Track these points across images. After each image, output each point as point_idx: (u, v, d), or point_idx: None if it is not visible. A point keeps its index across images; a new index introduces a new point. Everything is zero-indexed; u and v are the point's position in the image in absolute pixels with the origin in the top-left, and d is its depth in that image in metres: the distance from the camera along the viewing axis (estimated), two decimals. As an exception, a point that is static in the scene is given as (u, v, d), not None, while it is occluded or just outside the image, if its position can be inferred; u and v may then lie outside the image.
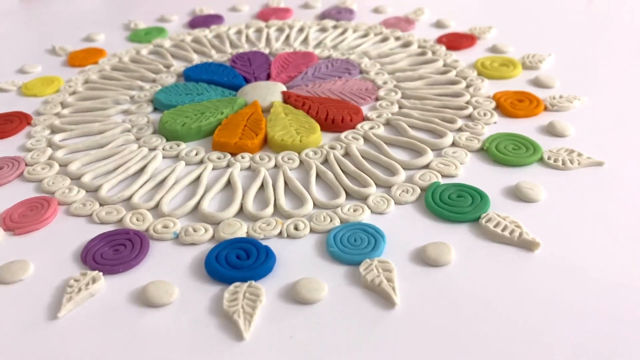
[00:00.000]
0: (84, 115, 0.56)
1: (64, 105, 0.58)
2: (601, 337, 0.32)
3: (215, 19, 0.77)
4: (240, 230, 0.40)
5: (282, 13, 0.77)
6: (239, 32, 0.73)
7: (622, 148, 0.47)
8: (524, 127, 0.50)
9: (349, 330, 0.33)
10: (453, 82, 0.58)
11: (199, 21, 0.77)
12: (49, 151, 0.50)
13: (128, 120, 0.55)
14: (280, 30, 0.73)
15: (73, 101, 0.59)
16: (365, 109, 0.55)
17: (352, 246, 0.38)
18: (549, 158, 0.46)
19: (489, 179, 0.44)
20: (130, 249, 0.39)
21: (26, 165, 0.49)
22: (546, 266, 0.36)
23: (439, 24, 0.72)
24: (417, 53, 0.65)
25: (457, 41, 0.66)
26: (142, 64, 0.66)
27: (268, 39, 0.71)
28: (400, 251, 0.38)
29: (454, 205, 0.41)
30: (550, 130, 0.50)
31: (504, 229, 0.39)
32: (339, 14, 0.76)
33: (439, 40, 0.67)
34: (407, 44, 0.67)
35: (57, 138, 0.52)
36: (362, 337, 0.32)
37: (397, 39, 0.68)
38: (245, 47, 0.69)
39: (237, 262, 0.37)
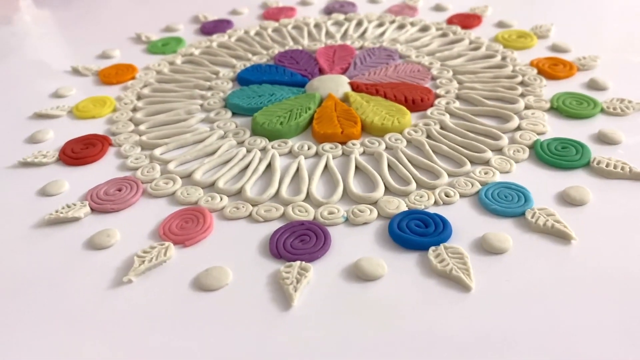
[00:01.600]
0: (167, 128, 0.56)
1: (134, 121, 0.58)
2: None
3: (225, 23, 0.78)
4: (401, 204, 0.44)
5: (288, 12, 0.81)
6: (259, 35, 0.75)
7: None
8: (570, 86, 0.59)
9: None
10: (489, 56, 0.65)
11: (209, 27, 0.78)
12: (157, 166, 0.51)
13: (215, 126, 0.56)
14: (298, 28, 0.77)
15: (142, 117, 0.58)
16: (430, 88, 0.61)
17: (505, 201, 0.44)
18: (608, 107, 0.54)
19: (570, 130, 0.52)
20: (315, 238, 0.42)
21: (141, 182, 0.49)
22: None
23: (438, 8, 0.80)
24: (439, 35, 0.71)
25: (466, 21, 0.74)
26: (188, 74, 0.66)
27: (293, 37, 0.74)
28: (543, 197, 0.45)
29: (565, 155, 0.48)
30: (593, 86, 0.58)
31: (615, 167, 0.46)
32: (343, 7, 0.81)
33: (450, 22, 0.74)
34: (424, 28, 0.73)
35: (157, 152, 0.53)
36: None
37: (412, 24, 0.75)
38: (276, 47, 0.71)
39: (422, 230, 0.42)
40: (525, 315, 0.35)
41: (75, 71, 0.70)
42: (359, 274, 0.39)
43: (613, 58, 0.63)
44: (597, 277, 0.38)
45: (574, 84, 0.59)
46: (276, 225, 0.44)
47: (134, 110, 0.60)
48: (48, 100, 0.64)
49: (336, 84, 0.60)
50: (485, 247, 0.40)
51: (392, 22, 0.76)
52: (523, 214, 0.43)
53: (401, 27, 0.75)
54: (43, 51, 0.77)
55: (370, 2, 0.83)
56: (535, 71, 0.61)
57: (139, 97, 0.63)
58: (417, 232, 0.41)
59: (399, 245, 0.41)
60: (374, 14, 0.78)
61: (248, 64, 0.67)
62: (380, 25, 0.75)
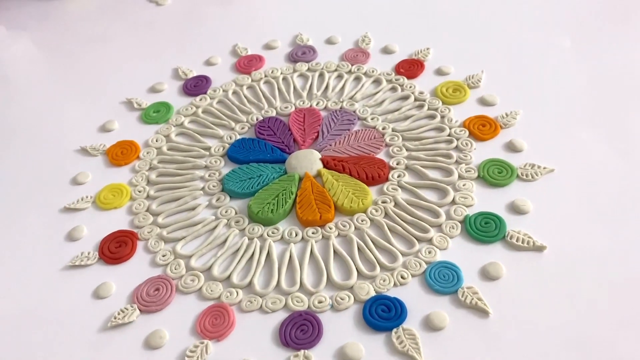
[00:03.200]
0: (181, 219, 0.71)
1: (151, 212, 0.72)
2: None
3: (204, 82, 0.90)
4: (370, 290, 0.62)
5: (257, 63, 0.92)
6: (236, 94, 0.87)
7: (567, 154, 0.73)
8: (493, 148, 0.75)
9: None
10: (431, 116, 0.80)
11: (190, 87, 0.89)
12: (182, 262, 0.66)
13: (219, 214, 0.71)
14: (269, 84, 0.89)
15: (157, 208, 0.72)
16: (382, 157, 0.75)
17: (444, 281, 0.61)
18: (521, 174, 0.71)
19: (491, 200, 0.69)
20: (311, 327, 0.59)
21: (172, 279, 0.65)
22: (555, 262, 0.62)
23: (386, 50, 0.92)
24: (389, 89, 0.85)
25: (411, 70, 0.87)
26: (184, 152, 0.79)
27: (266, 98, 0.86)
28: (470, 273, 0.62)
29: (486, 230, 0.65)
30: (512, 148, 0.74)
31: (522, 242, 0.64)
32: (304, 55, 0.92)
33: (398, 71, 0.87)
34: (377, 81, 0.87)
35: (179, 248, 0.68)
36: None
37: (366, 75, 0.87)
38: (253, 112, 0.84)
39: (386, 315, 0.59)
40: (456, 385, 0.54)
41: (84, 151, 0.81)
42: (345, 357, 0.57)
43: (531, 112, 0.79)
44: (512, 346, 0.56)
45: (497, 146, 0.75)
46: (281, 314, 0.61)
47: (148, 197, 0.74)
48: (70, 189, 0.77)
49: (310, 162, 0.74)
50: (430, 326, 0.58)
51: (349, 72, 0.88)
52: (457, 291, 0.61)
53: (357, 79, 0.87)
54: (47, 131, 0.87)
55: (327, 44, 0.95)
56: (467, 134, 0.76)
57: (148, 182, 0.76)
58: (382, 317, 0.59)
59: (371, 328, 0.59)
60: (332, 64, 0.90)
61: (233, 136, 0.80)
62: (339, 77, 0.88)
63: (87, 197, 0.75)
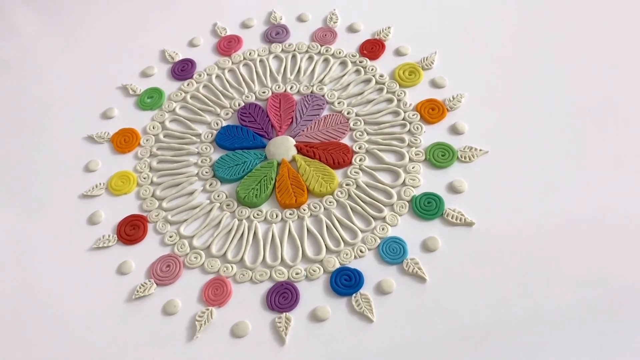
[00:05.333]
0: (182, 203, 0.86)
1: (156, 197, 0.87)
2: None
3: (189, 65, 1.00)
4: (336, 262, 0.79)
5: (236, 45, 1.02)
6: (219, 78, 0.99)
7: (504, 137, 0.87)
8: (440, 131, 0.89)
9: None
10: (389, 100, 0.92)
11: (178, 71, 1.00)
12: (186, 242, 0.83)
13: (213, 198, 0.86)
14: (248, 67, 1.00)
15: (161, 193, 0.87)
16: (347, 141, 0.89)
17: (393, 254, 0.79)
18: (461, 156, 0.86)
19: (435, 181, 0.84)
20: (290, 294, 0.77)
21: (179, 256, 0.82)
22: (483, 237, 0.79)
23: (352, 29, 1.02)
24: (354, 71, 0.96)
25: (374, 51, 0.98)
26: (178, 139, 0.92)
27: (246, 82, 0.98)
28: (413, 246, 0.79)
29: (429, 209, 0.81)
30: (455, 130, 0.88)
31: (456, 219, 0.80)
32: (278, 35, 1.02)
33: (362, 52, 0.98)
34: (344, 63, 0.98)
35: (182, 230, 0.84)
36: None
37: (334, 56, 0.98)
38: (236, 96, 0.96)
39: (347, 283, 0.77)
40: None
41: (91, 139, 0.94)
42: (316, 317, 0.75)
43: (476, 95, 0.91)
44: (445, 307, 0.74)
45: (443, 129, 0.89)
46: (267, 284, 0.78)
47: (152, 183, 0.89)
48: (84, 176, 0.91)
49: (286, 149, 0.88)
50: (381, 291, 0.76)
51: (319, 52, 0.99)
52: (402, 262, 0.78)
53: (326, 60, 0.99)
54: (54, 120, 0.99)
55: (298, 22, 1.04)
56: (418, 117, 0.90)
57: (150, 168, 0.90)
58: (345, 285, 0.77)
59: (336, 294, 0.77)
60: (303, 45, 1.00)
61: (219, 122, 0.93)
62: (310, 58, 0.99)
63: (100, 184, 0.89)
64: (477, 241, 0.78)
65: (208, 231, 0.84)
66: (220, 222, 0.84)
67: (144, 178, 0.89)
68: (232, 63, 1.00)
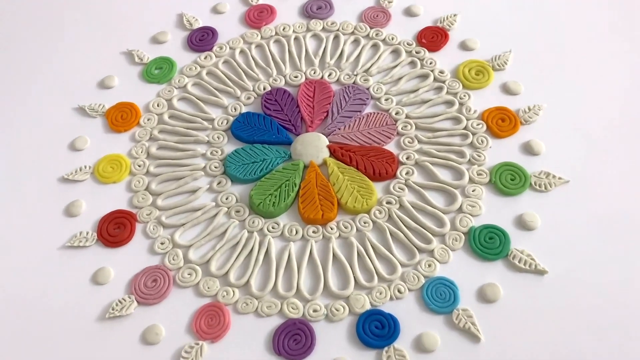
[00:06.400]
0: (180, 203, 0.69)
1: (150, 191, 0.71)
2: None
3: (210, 35, 0.83)
4: (366, 302, 0.62)
5: (267, 17, 0.85)
6: (243, 54, 0.82)
7: (589, 164, 0.69)
8: (509, 147, 0.71)
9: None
10: (449, 103, 0.75)
11: (195, 42, 0.83)
12: (180, 253, 0.66)
13: (220, 201, 0.69)
14: (279, 43, 0.82)
15: (157, 187, 0.71)
16: (392, 147, 0.72)
17: (440, 299, 0.61)
18: (534, 183, 0.68)
19: (500, 211, 0.67)
20: (304, 337, 0.60)
21: (170, 270, 0.65)
22: (556, 289, 0.62)
23: (409, 12, 0.84)
24: (408, 63, 0.79)
25: (434, 41, 0.80)
26: (186, 123, 0.76)
27: (275, 62, 0.80)
28: (467, 292, 0.62)
29: (490, 247, 0.64)
30: (529, 150, 0.71)
31: (524, 263, 0.63)
32: (320, 10, 0.85)
33: (419, 41, 0.81)
34: (396, 52, 0.80)
35: (177, 237, 0.67)
36: None
37: (385, 42, 0.81)
38: (261, 78, 0.79)
39: (379, 332, 0.60)
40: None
41: (82, 111, 0.78)
42: (335, 372, 0.58)
43: (556, 109, 0.73)
44: None
45: (514, 145, 0.71)
46: (275, 320, 0.62)
47: (148, 173, 0.72)
48: (68, 155, 0.74)
49: (316, 149, 0.71)
50: (421, 347, 0.59)
51: (367, 36, 0.82)
52: (451, 312, 0.61)
53: (375, 46, 0.81)
54: (43, 84, 0.82)
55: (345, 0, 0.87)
56: (484, 128, 0.72)
57: (148, 155, 0.73)
58: (375, 334, 0.60)
59: (363, 344, 0.60)
60: (349, 25, 0.83)
61: (238, 107, 0.76)
62: (356, 42, 0.82)
63: (85, 167, 0.73)
64: (549, 294, 0.61)
65: (209, 242, 0.67)
66: (225, 232, 0.67)
67: (139, 166, 0.73)
68: (261, 38, 0.83)
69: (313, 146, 0.72)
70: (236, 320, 0.62)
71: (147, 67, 0.81)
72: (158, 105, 0.77)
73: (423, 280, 0.62)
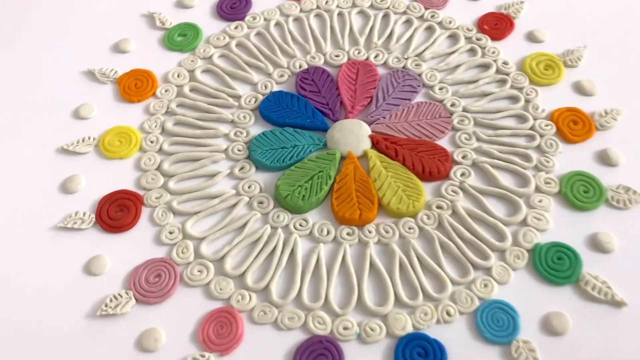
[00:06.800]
0: (195, 188, 0.60)
1: (162, 172, 0.61)
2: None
3: (243, 2, 0.74)
4: (407, 324, 0.51)
5: (308, -16, 0.75)
6: (279, 26, 0.72)
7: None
8: (583, 155, 0.61)
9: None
10: (514, 98, 0.65)
11: (226, 7, 0.73)
12: (190, 246, 0.56)
13: (241, 189, 0.59)
14: (321, 19, 0.73)
15: (169, 168, 0.61)
16: (446, 143, 0.62)
17: (497, 327, 0.51)
18: (611, 198, 0.58)
19: (571, 227, 0.56)
20: (331, 358, 0.50)
21: (177, 265, 0.55)
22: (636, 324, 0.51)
23: (470, -6, 0.74)
24: (467, 50, 0.69)
25: (498, 28, 0.70)
26: (209, 98, 0.66)
27: (315, 38, 0.70)
28: (529, 321, 0.51)
29: (558, 269, 0.54)
30: (605, 160, 0.60)
31: (599, 291, 0.52)
32: (369, -18, 0.75)
33: (481, 27, 0.71)
34: (454, 37, 0.70)
35: (189, 227, 0.57)
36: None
37: (441, 25, 0.71)
38: (297, 54, 0.69)
39: (421, 359, 0.50)
40: None
41: (92, 75, 0.68)
42: (366, 405, 0.48)
43: (637, 114, 0.63)
44: None
45: (588, 153, 0.61)
46: (297, 335, 0.51)
47: (160, 151, 0.62)
48: (71, 123, 0.65)
49: (356, 139, 0.61)
50: (476, 381, 0.49)
51: (421, 17, 0.72)
52: (510, 343, 0.50)
53: (429, 29, 0.71)
54: (50, 43, 0.73)
55: (398, -26, 0.77)
56: (553, 130, 0.62)
57: (162, 130, 0.64)
58: (419, 363, 0.50)
59: (401, 373, 0.49)
60: (401, 3, 0.73)
61: (269, 85, 0.66)
62: (408, 22, 0.72)
63: (89, 138, 0.63)
64: (626, 329, 0.51)
65: (226, 235, 0.57)
66: (245, 225, 0.57)
67: (151, 142, 0.63)
68: (301, 10, 0.73)
69: (353, 135, 0.62)
70: (251, 331, 0.52)
71: (169, 33, 0.71)
72: (178, 76, 0.68)
73: (477, 303, 0.52)
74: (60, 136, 0.64)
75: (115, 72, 0.68)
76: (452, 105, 0.64)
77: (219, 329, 0.52)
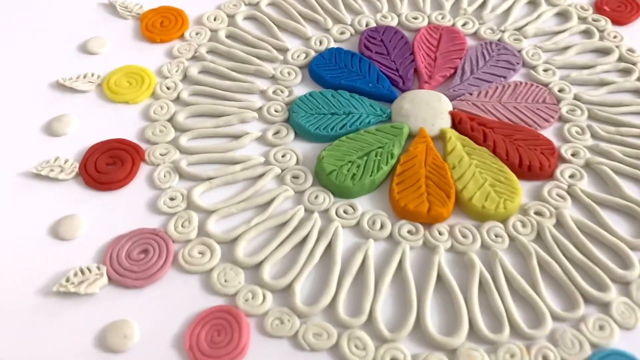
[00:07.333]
0: (213, 147, 0.45)
1: (174, 124, 0.47)
2: None
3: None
4: (485, 364, 0.35)
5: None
6: (345, -21, 0.59)
7: None
8: None
9: None
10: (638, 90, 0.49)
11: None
12: (194, 218, 0.41)
13: (273, 158, 0.45)
14: (397, -24, 0.59)
15: (184, 120, 0.47)
16: (549, 135, 0.46)
17: (619, 390, 0.34)
18: None
19: None
20: (370, 401, 0.34)
21: (173, 241, 0.40)
22: None
23: (586, -30, 0.60)
24: (580, 31, 0.54)
25: (620, 12, 0.56)
26: (249, 46, 0.52)
27: (388, -5, 0.57)
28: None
29: None
30: None
31: None
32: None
33: (599, 8, 0.56)
34: (564, 14, 0.56)
35: (196, 195, 0.42)
36: None
37: (548, 1, 0.56)
38: (365, 11, 0.55)
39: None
40: None
41: (110, 8, 0.56)
42: None
43: None
44: None
45: None
46: (325, 358, 0.36)
47: (177, 100, 0.48)
48: (75, 57, 0.52)
49: (433, 113, 0.46)
50: None
51: (523, -10, 0.58)
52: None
53: (533, 3, 0.57)
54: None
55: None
56: (698, 136, 0.46)
57: (184, 77, 0.50)
58: None
59: None
60: (499, -29, 0.59)
61: (325, 40, 0.53)
62: (506, -8, 0.58)
63: (92, 75, 0.50)
64: None
65: (244, 212, 0.42)
66: (271, 202, 0.42)
67: (168, 88, 0.49)
68: (375, -33, 0.60)
69: (429, 108, 0.47)
70: (258, 345, 0.36)
71: (211, -29, 0.59)
72: (215, 19, 0.55)
73: (589, 351, 0.36)
74: (59, 69, 0.51)
75: (141, 7, 0.56)
76: (561, 90, 0.49)
77: (215, 335, 0.36)
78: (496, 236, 0.41)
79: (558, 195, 0.43)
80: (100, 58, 0.52)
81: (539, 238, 0.41)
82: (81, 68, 0.51)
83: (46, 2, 0.57)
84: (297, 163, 0.45)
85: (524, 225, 0.41)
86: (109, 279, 0.39)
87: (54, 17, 0.55)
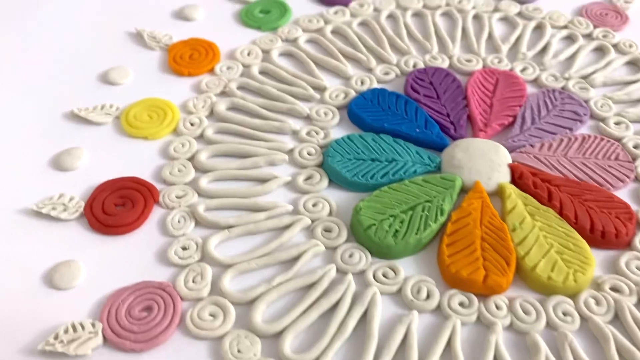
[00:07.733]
0: (236, 192, 0.40)
1: (195, 164, 0.42)
2: None
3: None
4: None
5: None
6: (392, 19, 0.54)
7: None
8: None
9: None
10: None
11: (324, -11, 0.57)
12: (209, 272, 0.35)
13: (302, 206, 0.39)
14: (449, 16, 0.54)
15: (207, 160, 0.42)
16: (625, 196, 0.40)
17: None
18: None
19: None
20: None
21: (182, 299, 0.35)
22: None
23: (657, 19, 0.54)
24: (654, 82, 0.48)
25: (703, 62, 0.49)
26: (283, 83, 0.48)
27: (439, 37, 0.52)
28: None
29: None
30: None
31: None
32: (517, -11, 0.57)
33: (676, 59, 0.50)
34: (636, 63, 0.50)
35: (212, 245, 0.37)
36: None
37: (617, 49, 0.51)
38: (412, 51, 0.50)
39: None
40: None
41: (139, 38, 0.52)
42: None
43: None
44: None
45: None
46: None
47: (201, 137, 0.44)
48: (94, 86, 0.48)
49: (490, 166, 0.40)
50: None
51: (588, 35, 0.52)
52: None
53: (600, 50, 0.51)
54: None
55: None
56: None
57: (211, 112, 0.45)
58: None
59: None
60: (561, 15, 0.54)
61: (367, 81, 0.48)
62: (569, 38, 0.52)
63: (110, 106, 0.46)
64: None
65: (265, 269, 0.36)
66: (297, 259, 0.36)
67: (192, 124, 0.44)
68: (424, 6, 0.55)
69: (486, 159, 0.41)
70: None
71: (249, 7, 0.55)
72: (249, 54, 0.50)
73: None
74: (76, 99, 0.47)
75: (170, 37, 0.52)
76: (636, 147, 0.43)
77: None
78: (565, 314, 0.34)
79: (638, 268, 0.36)
80: (121, 89, 0.48)
81: (617, 319, 0.34)
82: (100, 98, 0.47)
83: (71, 29, 0.54)
84: (330, 214, 0.39)
85: (598, 302, 0.34)
86: (105, 338, 0.33)
87: (77, 44, 0.52)
